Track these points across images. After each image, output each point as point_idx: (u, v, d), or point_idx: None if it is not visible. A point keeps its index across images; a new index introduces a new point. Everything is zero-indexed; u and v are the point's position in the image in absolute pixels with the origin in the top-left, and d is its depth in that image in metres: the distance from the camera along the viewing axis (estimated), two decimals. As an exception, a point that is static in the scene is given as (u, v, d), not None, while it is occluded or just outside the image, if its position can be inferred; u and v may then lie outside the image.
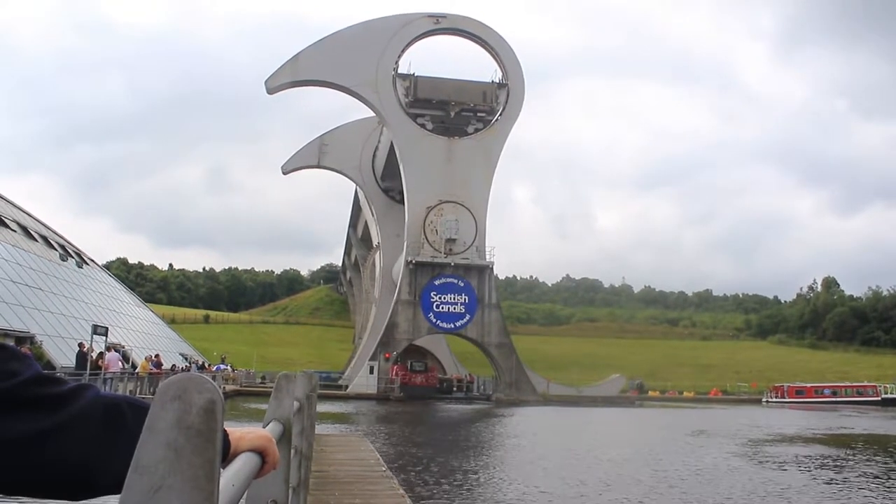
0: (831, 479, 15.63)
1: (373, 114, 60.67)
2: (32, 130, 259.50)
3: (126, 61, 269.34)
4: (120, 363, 26.99)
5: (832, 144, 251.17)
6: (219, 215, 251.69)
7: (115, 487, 0.97)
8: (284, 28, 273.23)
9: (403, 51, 58.18)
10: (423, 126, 57.88)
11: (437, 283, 54.46)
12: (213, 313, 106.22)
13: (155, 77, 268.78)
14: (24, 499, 0.98)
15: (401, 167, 57.62)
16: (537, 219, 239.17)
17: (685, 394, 68.96)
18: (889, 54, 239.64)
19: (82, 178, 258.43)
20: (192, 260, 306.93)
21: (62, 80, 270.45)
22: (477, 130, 59.12)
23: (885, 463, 19.27)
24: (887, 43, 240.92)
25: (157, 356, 33.14)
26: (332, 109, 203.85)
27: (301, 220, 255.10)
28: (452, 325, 54.93)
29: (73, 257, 42.90)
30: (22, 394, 1.00)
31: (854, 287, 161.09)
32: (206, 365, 47.13)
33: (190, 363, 44.59)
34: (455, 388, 56.48)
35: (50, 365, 25.61)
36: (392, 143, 59.45)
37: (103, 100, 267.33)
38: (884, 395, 62.63)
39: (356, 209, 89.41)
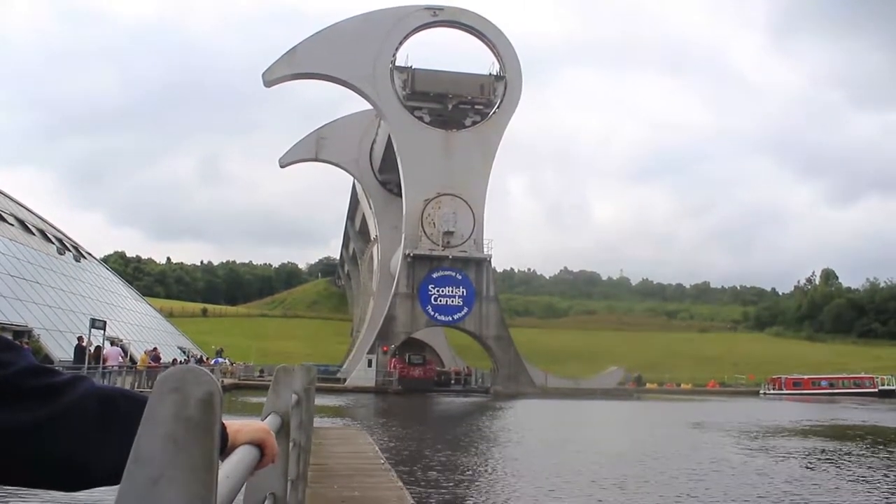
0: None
1: (370, 106, 60.55)
2: (22, 123, 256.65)
3: (117, 51, 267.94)
4: (120, 357, 27.01)
5: (830, 134, 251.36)
6: (216, 208, 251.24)
7: (110, 479, 0.98)
8: (278, 17, 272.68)
9: (401, 44, 58.03)
10: (420, 119, 57.79)
11: (434, 275, 54.48)
12: (211, 307, 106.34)
13: (146, 68, 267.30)
14: (20, 489, 1.03)
15: (398, 160, 57.55)
16: (535, 211, 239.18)
17: (682, 386, 69.18)
18: (885, 41, 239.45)
19: (74, 171, 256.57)
20: (190, 253, 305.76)
21: (51, 72, 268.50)
22: (474, 123, 59.03)
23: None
24: (883, 30, 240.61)
25: (155, 350, 33.15)
26: (329, 99, 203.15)
27: (299, 213, 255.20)
28: (450, 318, 54.98)
29: (70, 251, 42.84)
30: (16, 384, 0.99)
31: (851, 279, 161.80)
32: (205, 358, 47.20)
33: (188, 357, 44.60)
34: (453, 381, 56.60)
35: (48, 359, 25.60)
36: (390, 136, 59.34)
37: (94, 91, 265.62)
38: (881, 387, 62.91)
39: (354, 202, 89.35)
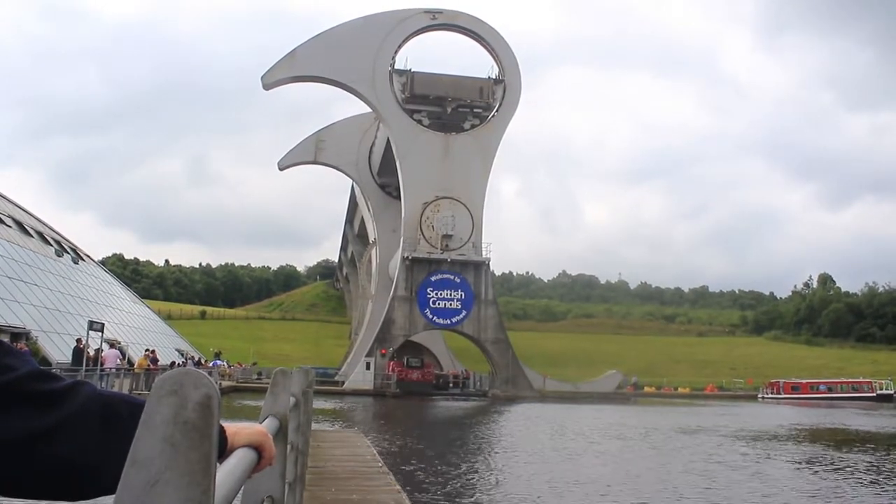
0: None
1: (369, 109, 60.57)
2: (8, 122, 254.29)
3: (102, 51, 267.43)
4: (118, 360, 26.97)
5: (825, 136, 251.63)
6: (214, 210, 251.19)
7: (114, 487, 0.95)
8: (268, 17, 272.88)
9: (400, 47, 58.08)
10: (419, 122, 57.82)
11: (433, 278, 54.45)
12: (209, 309, 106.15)
13: (133, 67, 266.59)
14: (20, 500, 0.96)
15: (397, 163, 57.56)
16: (533, 214, 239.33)
17: (680, 390, 69.10)
18: (873, 39, 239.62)
19: (62, 172, 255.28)
20: (188, 256, 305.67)
21: (37, 71, 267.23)
22: (473, 126, 59.05)
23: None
24: (872, 28, 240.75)
25: (153, 352, 33.07)
26: (326, 99, 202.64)
27: (297, 216, 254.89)
28: (449, 321, 54.93)
29: (68, 253, 42.79)
30: (19, 389, 0.98)
31: (850, 283, 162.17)
32: (203, 361, 47.13)
33: (186, 359, 44.52)
34: (451, 385, 56.47)
35: (46, 361, 25.58)
36: (389, 139, 59.37)
37: (80, 91, 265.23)
38: (878, 391, 62.88)
39: (353, 205, 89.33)
